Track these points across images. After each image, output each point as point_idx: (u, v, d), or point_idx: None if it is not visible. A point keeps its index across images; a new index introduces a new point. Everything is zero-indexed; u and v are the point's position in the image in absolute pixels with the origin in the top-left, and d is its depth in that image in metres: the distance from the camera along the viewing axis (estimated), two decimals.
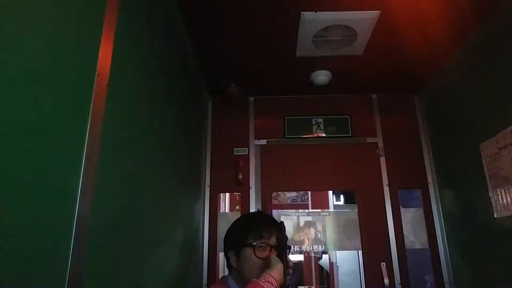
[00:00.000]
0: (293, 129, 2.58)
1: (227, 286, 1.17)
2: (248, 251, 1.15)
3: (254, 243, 1.15)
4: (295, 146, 2.55)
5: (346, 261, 3.89)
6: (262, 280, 0.99)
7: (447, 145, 2.26)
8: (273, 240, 1.17)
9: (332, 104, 2.63)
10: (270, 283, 0.98)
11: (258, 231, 1.17)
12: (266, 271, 1.03)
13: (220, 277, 1.44)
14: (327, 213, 2.53)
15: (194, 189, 2.17)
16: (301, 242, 2.44)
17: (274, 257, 1.09)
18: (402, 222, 2.35)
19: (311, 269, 4.05)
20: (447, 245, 2.28)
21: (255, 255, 1.13)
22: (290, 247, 1.17)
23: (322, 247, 2.43)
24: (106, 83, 0.91)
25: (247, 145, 2.52)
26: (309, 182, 2.51)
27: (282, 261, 1.06)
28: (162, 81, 1.51)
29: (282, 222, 1.17)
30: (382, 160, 2.47)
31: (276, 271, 1.03)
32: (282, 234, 1.12)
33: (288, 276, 1.09)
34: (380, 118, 2.57)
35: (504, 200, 1.67)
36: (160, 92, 1.47)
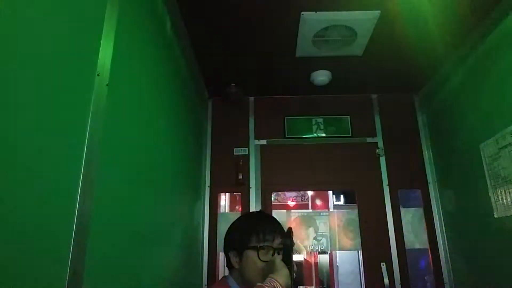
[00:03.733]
0: (293, 129, 2.58)
1: (227, 287, 1.16)
2: (251, 253, 1.14)
3: (258, 246, 1.14)
4: (295, 146, 2.55)
5: (346, 261, 3.89)
6: (267, 284, 0.97)
7: (447, 145, 2.26)
8: (276, 243, 1.16)
9: (332, 104, 2.63)
10: (275, 287, 0.98)
11: (261, 233, 1.16)
12: (270, 275, 1.01)
13: (220, 277, 1.43)
14: (327, 213, 2.53)
15: (194, 189, 2.17)
16: (301, 242, 2.44)
17: (279, 261, 1.07)
18: (402, 222, 2.35)
19: (311, 269, 4.05)
20: (447, 245, 2.28)
21: (259, 258, 1.12)
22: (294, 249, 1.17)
23: (322, 247, 2.43)
24: (106, 83, 0.91)
25: (247, 145, 2.52)
26: (309, 182, 2.51)
27: (287, 265, 1.06)
28: (162, 81, 1.51)
29: (290, 228, 1.16)
30: (382, 160, 2.47)
31: (281, 276, 1.01)
32: (290, 240, 1.11)
33: (293, 281, 1.08)
34: (380, 118, 2.57)
35: (504, 200, 1.67)
36: (160, 92, 1.47)
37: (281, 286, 0.99)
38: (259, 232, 1.16)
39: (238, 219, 1.29)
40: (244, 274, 1.14)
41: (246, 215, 1.36)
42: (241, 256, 1.16)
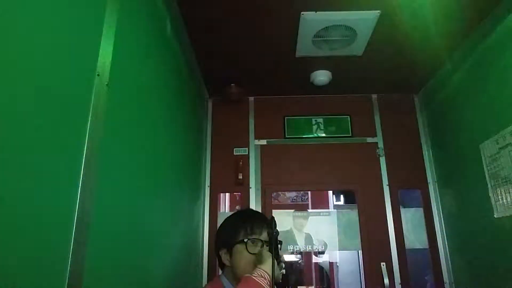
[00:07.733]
0: (293, 129, 2.58)
1: (220, 285, 1.17)
2: (240, 247, 1.16)
3: (246, 239, 1.16)
4: (295, 146, 2.55)
5: (346, 261, 3.89)
6: (255, 275, 0.99)
7: (447, 145, 2.26)
8: (264, 236, 1.18)
9: (332, 104, 2.63)
10: (263, 277, 0.99)
11: (249, 227, 1.18)
12: (258, 266, 1.04)
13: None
14: (327, 213, 2.53)
15: (194, 189, 2.17)
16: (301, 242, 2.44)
17: (265, 252, 1.10)
18: (402, 222, 2.35)
19: (311, 269, 4.05)
20: (447, 245, 2.28)
21: (247, 251, 1.14)
22: (281, 241, 1.18)
23: (322, 247, 2.43)
24: (106, 83, 0.91)
25: (247, 145, 2.52)
26: (309, 182, 2.51)
27: (272, 255, 1.07)
28: (162, 81, 1.51)
29: (272, 217, 1.17)
30: (382, 160, 2.47)
31: (268, 265, 1.03)
32: (272, 229, 1.13)
33: (280, 270, 1.09)
34: (380, 118, 2.58)
35: (504, 200, 1.67)
36: (160, 92, 1.47)
37: (268, 275, 1.00)
38: (246, 226, 1.18)
39: (227, 218, 1.31)
40: (235, 269, 1.15)
41: (234, 213, 1.37)
42: (231, 252, 1.17)
